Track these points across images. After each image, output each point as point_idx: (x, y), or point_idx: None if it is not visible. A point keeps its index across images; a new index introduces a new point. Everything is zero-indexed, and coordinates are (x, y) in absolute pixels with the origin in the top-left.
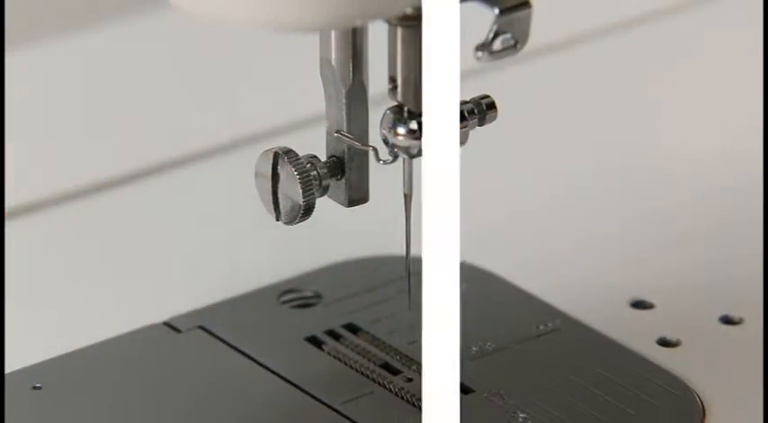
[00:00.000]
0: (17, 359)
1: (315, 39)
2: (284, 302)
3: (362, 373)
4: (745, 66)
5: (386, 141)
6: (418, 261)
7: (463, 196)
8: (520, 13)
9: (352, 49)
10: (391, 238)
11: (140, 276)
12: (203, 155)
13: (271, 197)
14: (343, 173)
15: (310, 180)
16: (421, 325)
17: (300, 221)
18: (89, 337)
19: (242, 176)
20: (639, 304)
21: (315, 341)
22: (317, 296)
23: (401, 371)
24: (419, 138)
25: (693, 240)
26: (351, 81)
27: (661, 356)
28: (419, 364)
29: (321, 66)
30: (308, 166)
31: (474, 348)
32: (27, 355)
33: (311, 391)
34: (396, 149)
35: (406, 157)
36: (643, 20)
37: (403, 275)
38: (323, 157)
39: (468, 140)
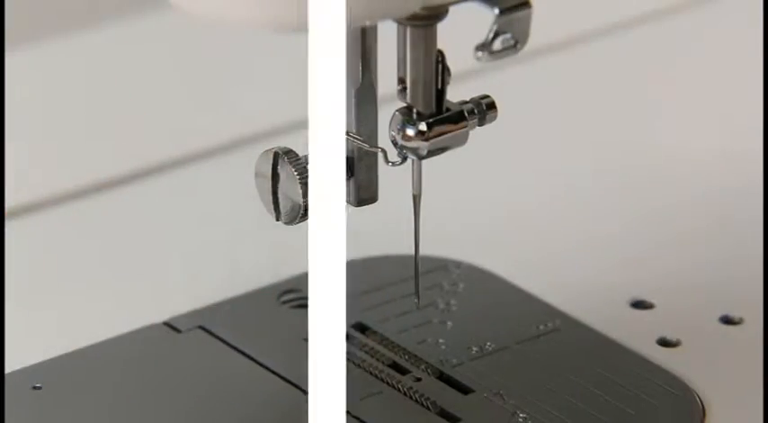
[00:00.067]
0: (17, 359)
1: None
2: (284, 302)
3: (371, 373)
4: (745, 66)
5: (394, 143)
6: (427, 260)
7: (463, 196)
8: (520, 13)
9: (361, 50)
10: (395, 238)
11: (140, 276)
12: (203, 155)
13: (271, 197)
14: (351, 173)
15: None
16: (429, 324)
17: (301, 221)
18: (89, 337)
19: (242, 176)
20: (639, 304)
21: None
22: None
23: (410, 370)
24: (428, 139)
25: (693, 240)
26: (360, 81)
27: (661, 356)
28: (428, 364)
29: None
30: (309, 166)
31: (474, 348)
32: (27, 355)
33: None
34: (404, 151)
35: (414, 158)
36: (643, 20)
37: (411, 275)
38: None
39: (468, 140)
